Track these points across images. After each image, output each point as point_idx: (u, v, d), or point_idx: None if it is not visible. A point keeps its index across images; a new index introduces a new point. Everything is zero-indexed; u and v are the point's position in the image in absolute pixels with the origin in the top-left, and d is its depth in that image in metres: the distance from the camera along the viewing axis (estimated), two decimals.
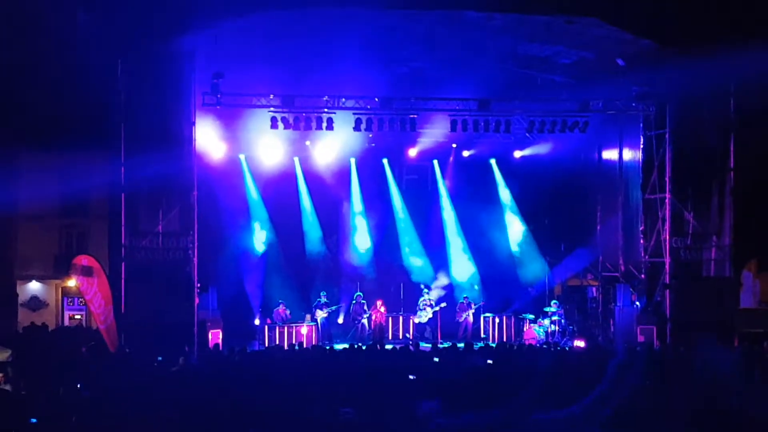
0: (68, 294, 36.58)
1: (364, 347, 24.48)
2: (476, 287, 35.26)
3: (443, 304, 33.37)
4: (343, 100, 30.09)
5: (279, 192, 34.53)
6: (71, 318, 36.25)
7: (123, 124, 27.79)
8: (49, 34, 28.28)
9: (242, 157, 33.87)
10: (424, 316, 33.20)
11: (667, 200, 30.38)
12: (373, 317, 32.69)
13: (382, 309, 32.94)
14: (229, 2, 25.60)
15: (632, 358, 20.81)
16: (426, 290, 33.74)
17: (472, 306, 33.31)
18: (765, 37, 24.87)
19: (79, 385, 18.77)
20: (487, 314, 33.47)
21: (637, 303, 31.48)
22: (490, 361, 21.07)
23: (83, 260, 25.53)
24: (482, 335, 33.19)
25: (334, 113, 30.00)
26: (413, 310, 33.50)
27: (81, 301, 36.44)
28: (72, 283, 35.47)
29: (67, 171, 32.93)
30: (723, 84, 29.00)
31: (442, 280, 34.55)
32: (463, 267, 35.70)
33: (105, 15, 26.63)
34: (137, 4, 25.80)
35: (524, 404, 15.56)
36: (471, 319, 33.31)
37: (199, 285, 28.80)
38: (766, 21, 26.19)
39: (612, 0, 26.59)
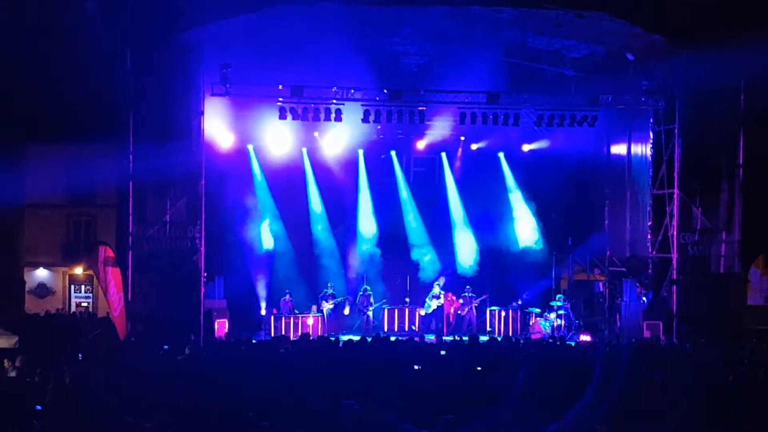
0: (75, 281, 36.73)
1: (369, 339, 24.48)
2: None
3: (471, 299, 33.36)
4: (352, 91, 30.06)
5: (287, 182, 34.51)
6: (78, 305, 36.39)
7: (131, 114, 27.83)
8: (58, 24, 28.28)
9: (250, 147, 33.85)
10: (431, 307, 33.20)
11: (675, 195, 30.33)
12: (451, 310, 33.01)
13: (453, 299, 33.19)
14: None
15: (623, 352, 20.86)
16: (437, 283, 33.69)
17: (475, 300, 33.22)
18: None
19: (85, 372, 18.80)
20: (494, 308, 33.44)
21: (644, 298, 31.44)
22: (479, 368, 20.65)
23: (106, 250, 25.70)
24: (488, 329, 33.14)
25: (343, 104, 29.97)
26: (419, 302, 33.49)
27: (87, 289, 36.61)
28: (79, 270, 35.72)
29: (75, 160, 33.09)
30: (733, 79, 28.94)
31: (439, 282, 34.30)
32: (469, 259, 35.62)
33: (114, 4, 26.65)
34: None
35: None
36: (474, 312, 33.25)
37: (205, 274, 28.88)
38: None
39: None
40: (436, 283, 33.82)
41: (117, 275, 26.02)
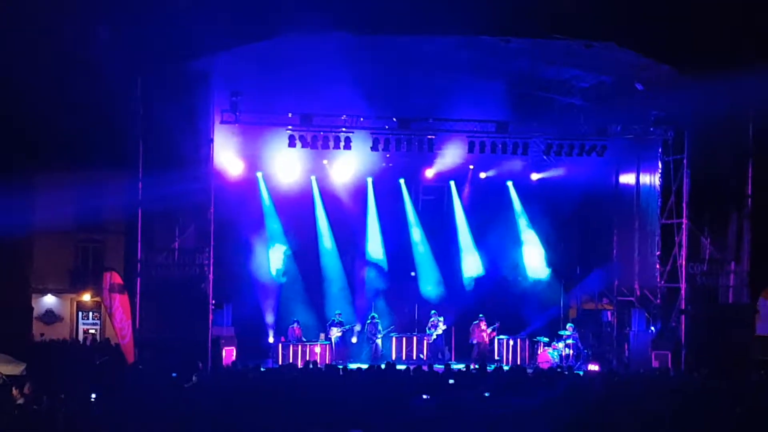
0: (83, 308, 36.70)
1: (383, 366, 24.40)
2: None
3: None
4: (361, 119, 30.13)
5: (296, 210, 34.52)
6: (85, 332, 36.34)
7: (141, 141, 27.92)
8: (69, 53, 28.44)
9: (260, 174, 33.90)
10: (432, 336, 33.18)
11: (684, 225, 30.29)
12: (477, 339, 33.05)
13: (487, 329, 33.19)
14: (247, 27, 25.75)
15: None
16: (434, 311, 33.65)
17: (487, 328, 33.19)
18: None
19: (94, 400, 18.77)
20: (502, 336, 33.36)
21: (653, 328, 31.34)
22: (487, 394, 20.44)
23: (113, 277, 25.76)
24: (496, 357, 33.06)
25: (352, 132, 30.04)
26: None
27: (95, 315, 36.60)
28: (87, 297, 35.73)
29: (85, 187, 33.11)
30: (742, 110, 28.93)
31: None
32: (477, 288, 35.53)
33: (125, 34, 26.81)
34: (157, 24, 25.96)
35: None
36: (487, 339, 33.20)
37: (214, 302, 28.83)
38: None
39: (630, 25, 26.57)
40: (433, 311, 33.77)
41: (125, 302, 26.06)
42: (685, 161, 30.34)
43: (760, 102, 27.82)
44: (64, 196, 33.67)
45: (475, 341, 33.23)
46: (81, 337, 35.78)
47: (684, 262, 30.26)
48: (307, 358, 30.19)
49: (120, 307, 25.88)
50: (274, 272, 33.91)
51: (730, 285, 30.23)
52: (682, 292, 30.23)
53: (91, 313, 36.87)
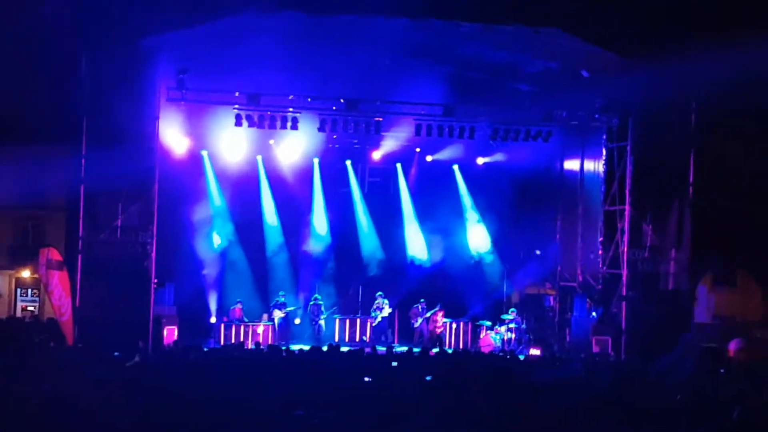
0: (22, 285, 36.22)
1: (325, 348, 24.39)
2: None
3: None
4: (309, 99, 29.99)
5: (241, 190, 34.28)
6: (24, 309, 35.89)
7: (85, 117, 27.52)
8: (11, 25, 27.95)
9: (205, 153, 33.57)
10: (377, 319, 33.23)
11: (626, 212, 30.60)
12: (430, 325, 33.22)
13: (441, 319, 33.36)
14: (199, 6, 25.44)
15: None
16: (380, 293, 33.67)
17: (427, 312, 33.28)
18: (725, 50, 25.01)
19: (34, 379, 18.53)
20: (445, 320, 33.50)
21: (594, 313, 31.65)
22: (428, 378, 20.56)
23: (51, 253, 25.44)
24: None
25: (300, 113, 29.89)
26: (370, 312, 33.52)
27: (35, 292, 36.15)
28: (26, 273, 35.27)
29: (25, 163, 32.65)
30: (684, 99, 29.31)
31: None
32: (421, 271, 35.62)
33: (70, 8, 26.39)
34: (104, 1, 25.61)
35: None
36: (438, 322, 33.31)
37: (156, 280, 28.57)
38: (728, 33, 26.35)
39: (576, 12, 26.65)
40: (379, 293, 33.79)
41: (64, 279, 25.78)
42: (628, 148, 30.66)
43: (703, 91, 28.18)
44: (4, 172, 33.17)
45: (416, 327, 33.30)
46: (19, 314, 35.34)
47: (626, 249, 30.60)
48: (250, 339, 30.14)
49: (59, 284, 25.60)
50: (216, 250, 33.68)
51: (670, 272, 30.63)
52: (624, 278, 30.57)
53: (30, 290, 36.42)
